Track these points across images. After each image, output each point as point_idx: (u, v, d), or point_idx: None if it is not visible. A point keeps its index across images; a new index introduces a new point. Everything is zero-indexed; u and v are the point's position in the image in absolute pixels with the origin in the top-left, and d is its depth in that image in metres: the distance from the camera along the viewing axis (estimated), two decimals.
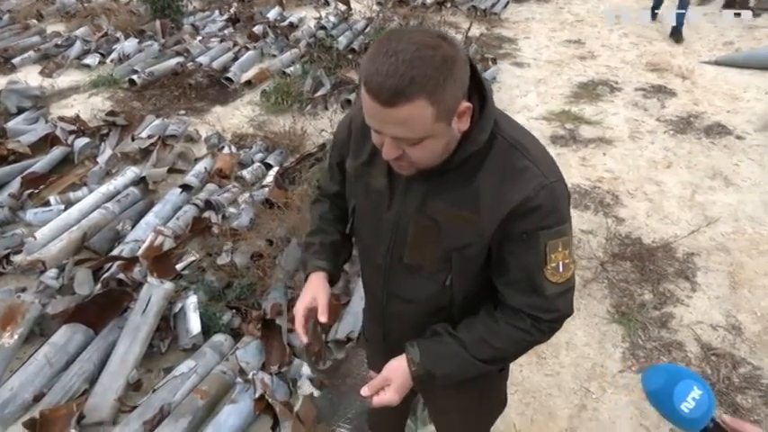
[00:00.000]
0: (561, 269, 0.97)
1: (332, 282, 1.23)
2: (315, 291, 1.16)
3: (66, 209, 3.12)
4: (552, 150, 2.86)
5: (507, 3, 7.25)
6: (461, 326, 1.06)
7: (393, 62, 0.77)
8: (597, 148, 4.07)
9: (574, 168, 3.80)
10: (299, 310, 1.15)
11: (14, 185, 3.25)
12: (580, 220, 3.22)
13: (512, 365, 1.35)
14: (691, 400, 0.82)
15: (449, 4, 7.10)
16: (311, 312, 1.15)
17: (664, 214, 3.37)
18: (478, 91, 0.92)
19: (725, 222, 3.27)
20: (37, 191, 3.25)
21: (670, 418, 0.84)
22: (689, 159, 3.92)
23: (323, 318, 1.13)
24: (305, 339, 1.14)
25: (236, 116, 4.45)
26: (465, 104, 0.86)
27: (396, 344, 1.09)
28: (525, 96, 4.88)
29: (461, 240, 0.98)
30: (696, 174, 3.76)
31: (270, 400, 2.10)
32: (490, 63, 5.32)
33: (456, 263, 1.01)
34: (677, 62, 5.50)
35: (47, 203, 3.19)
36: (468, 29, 5.84)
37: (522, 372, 2.37)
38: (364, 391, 1.01)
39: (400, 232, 1.03)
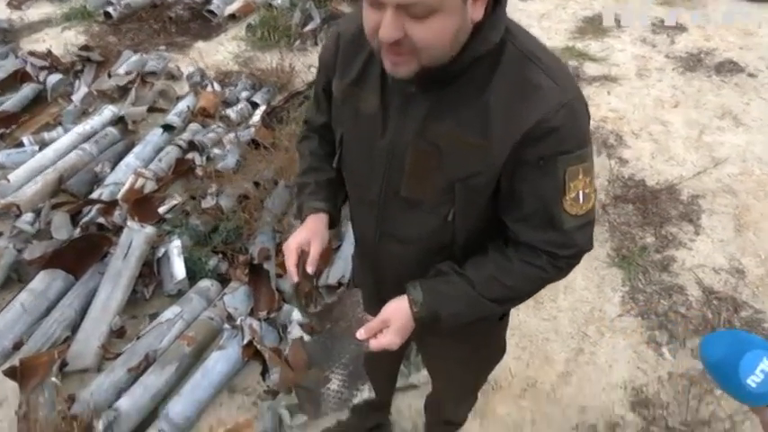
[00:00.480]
0: (581, 199, 0.85)
1: (332, 224, 1.11)
2: (310, 234, 1.05)
3: (40, 150, 2.96)
4: None
5: None
6: (469, 264, 0.94)
7: None
8: (602, 86, 3.87)
9: None
10: (291, 246, 1.03)
11: None
12: None
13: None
14: (759, 372, 0.72)
15: None
16: (304, 255, 1.04)
17: (669, 155, 3.24)
18: None
19: (732, 163, 3.15)
20: (8, 131, 3.07)
21: (733, 392, 0.75)
22: (698, 98, 3.73)
23: (310, 268, 1.02)
24: (295, 278, 1.03)
25: (219, 52, 4.19)
26: None
27: (390, 291, 0.98)
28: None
29: (467, 169, 0.85)
30: (704, 113, 3.59)
31: (258, 346, 2.03)
32: None
33: (460, 195, 0.88)
34: None
35: (20, 144, 3.01)
36: None
37: (519, 316, 2.30)
38: (360, 334, 0.92)
39: (396, 161, 0.90)
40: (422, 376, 2.05)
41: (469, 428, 1.86)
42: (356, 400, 0.90)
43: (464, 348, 1.16)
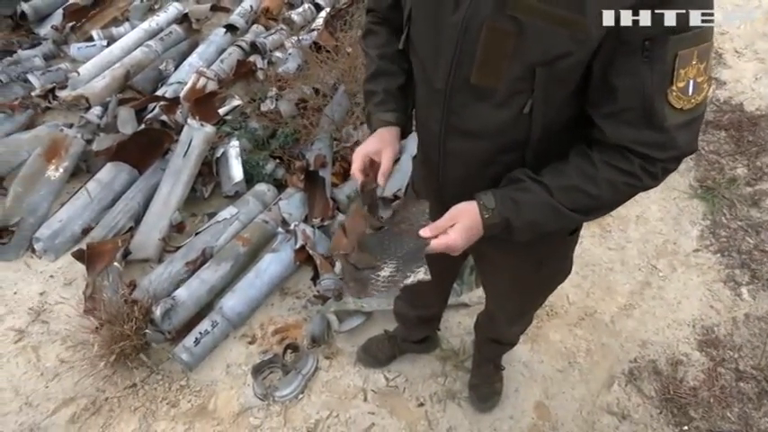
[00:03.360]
0: (691, 90, 0.69)
1: (404, 134, 1.04)
2: (381, 145, 0.98)
3: (108, 45, 2.97)
4: None
5: None
6: (547, 170, 0.83)
7: None
8: None
9: None
10: (360, 154, 0.97)
11: (57, 17, 3.10)
12: None
13: None
14: None
15: None
16: (375, 165, 0.98)
17: None
18: None
19: None
20: (79, 24, 3.09)
21: None
22: None
23: (381, 179, 0.96)
24: (360, 179, 0.98)
25: None
26: None
27: (453, 197, 0.88)
28: None
29: (552, 50, 0.71)
30: None
31: (311, 251, 2.02)
32: None
33: (541, 82, 0.74)
34: None
35: (90, 38, 3.04)
36: None
37: (583, 243, 2.17)
38: (425, 232, 0.85)
39: (468, 41, 0.76)
40: (474, 296, 1.99)
41: (519, 351, 1.81)
42: (409, 281, 0.84)
43: (528, 263, 1.06)
